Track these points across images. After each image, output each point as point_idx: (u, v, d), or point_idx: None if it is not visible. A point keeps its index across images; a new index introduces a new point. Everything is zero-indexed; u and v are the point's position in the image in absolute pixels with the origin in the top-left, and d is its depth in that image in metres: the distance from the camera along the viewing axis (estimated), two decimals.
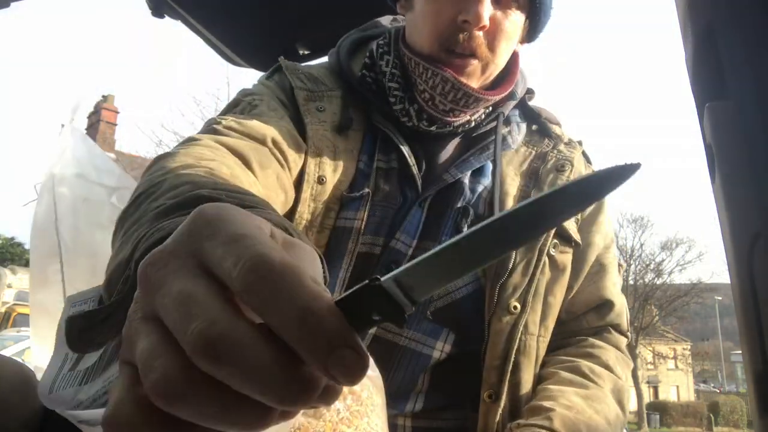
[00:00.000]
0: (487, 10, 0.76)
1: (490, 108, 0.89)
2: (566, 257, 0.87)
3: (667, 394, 36.49)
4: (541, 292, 0.83)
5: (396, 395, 0.78)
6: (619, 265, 0.96)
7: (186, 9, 1.30)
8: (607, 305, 0.91)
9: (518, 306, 0.80)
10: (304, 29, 1.37)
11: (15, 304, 11.64)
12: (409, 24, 0.87)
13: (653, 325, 28.80)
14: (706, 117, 0.39)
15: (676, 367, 36.49)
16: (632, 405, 31.81)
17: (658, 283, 28.19)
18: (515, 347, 0.79)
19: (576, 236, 0.88)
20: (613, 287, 0.92)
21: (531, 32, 0.89)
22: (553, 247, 0.85)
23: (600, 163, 0.95)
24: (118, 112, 23.56)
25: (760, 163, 0.36)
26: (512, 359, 0.79)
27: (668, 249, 28.64)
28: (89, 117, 25.71)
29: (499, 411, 0.78)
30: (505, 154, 0.90)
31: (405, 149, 0.85)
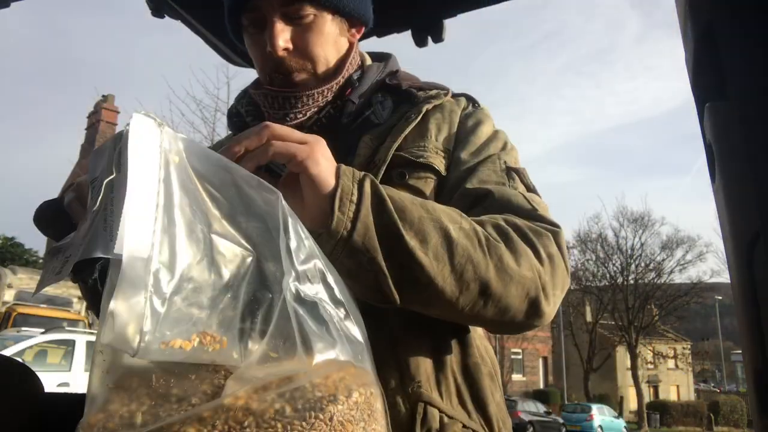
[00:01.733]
0: (280, 37, 0.88)
1: (339, 102, 0.96)
2: (425, 183, 0.87)
3: (668, 394, 36.51)
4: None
5: None
6: (515, 169, 0.89)
7: (186, 9, 1.30)
8: (483, 193, 0.84)
9: None
10: None
11: (15, 304, 11.65)
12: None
13: (653, 325, 28.79)
14: (706, 117, 0.39)
15: (677, 366, 36.49)
16: (632, 405, 31.80)
17: (658, 282, 28.14)
18: None
19: (435, 163, 0.89)
20: (484, 184, 0.85)
21: (354, 21, 0.98)
22: (400, 177, 0.86)
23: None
24: (118, 112, 23.55)
25: (760, 163, 0.36)
26: None
27: (668, 248, 28.63)
28: (89, 117, 25.71)
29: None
30: (374, 130, 0.94)
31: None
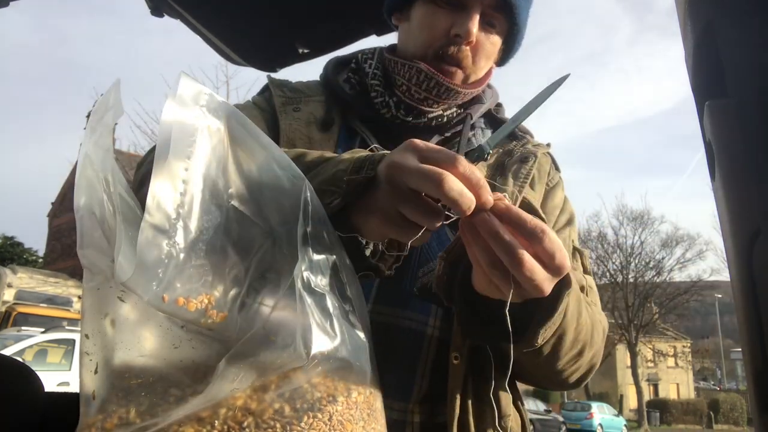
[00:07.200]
0: (475, 29, 0.89)
1: (462, 109, 1.00)
2: None
3: (667, 392, 36.53)
4: None
5: (401, 380, 0.83)
6: (579, 251, 0.97)
7: (185, 8, 1.30)
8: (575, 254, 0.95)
9: None
10: (304, 29, 1.37)
11: (15, 304, 11.65)
12: (404, 33, 0.99)
13: (653, 323, 28.77)
14: (706, 115, 0.39)
15: (676, 364, 36.52)
16: (632, 403, 31.84)
17: (658, 281, 28.13)
18: None
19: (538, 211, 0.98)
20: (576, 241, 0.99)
21: (504, 55, 1.03)
22: None
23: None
24: None
25: (759, 161, 0.36)
26: None
27: (668, 247, 28.61)
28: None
29: (462, 371, 0.81)
30: (486, 161, 0.98)
31: (378, 147, 0.96)
